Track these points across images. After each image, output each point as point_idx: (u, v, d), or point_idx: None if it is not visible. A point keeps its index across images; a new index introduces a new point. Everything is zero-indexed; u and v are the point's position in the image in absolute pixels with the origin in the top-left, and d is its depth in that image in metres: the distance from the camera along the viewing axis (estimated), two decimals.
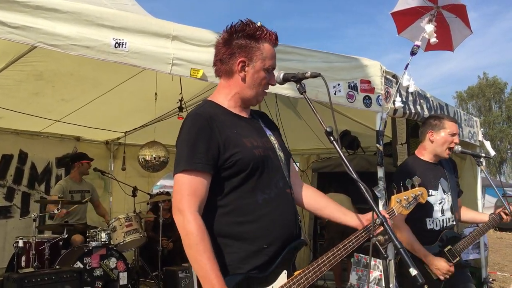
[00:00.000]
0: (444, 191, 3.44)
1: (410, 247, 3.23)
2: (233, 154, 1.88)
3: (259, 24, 2.03)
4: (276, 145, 2.10)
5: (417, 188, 2.42)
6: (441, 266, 3.20)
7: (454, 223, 3.46)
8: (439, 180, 3.44)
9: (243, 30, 1.98)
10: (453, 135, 3.42)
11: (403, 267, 3.23)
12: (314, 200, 2.28)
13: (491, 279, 7.35)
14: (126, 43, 2.45)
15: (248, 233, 1.89)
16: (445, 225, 3.40)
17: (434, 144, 3.44)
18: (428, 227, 3.35)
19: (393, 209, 2.31)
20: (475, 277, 5.12)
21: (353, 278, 3.67)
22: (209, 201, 1.89)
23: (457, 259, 3.32)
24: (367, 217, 2.12)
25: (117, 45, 2.42)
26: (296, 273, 1.94)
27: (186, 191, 1.82)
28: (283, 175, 2.04)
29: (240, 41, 1.98)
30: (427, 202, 3.25)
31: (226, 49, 2.01)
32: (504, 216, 3.45)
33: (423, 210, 3.28)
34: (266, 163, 1.96)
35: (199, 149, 1.85)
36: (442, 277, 3.19)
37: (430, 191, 3.33)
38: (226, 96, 2.06)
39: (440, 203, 3.39)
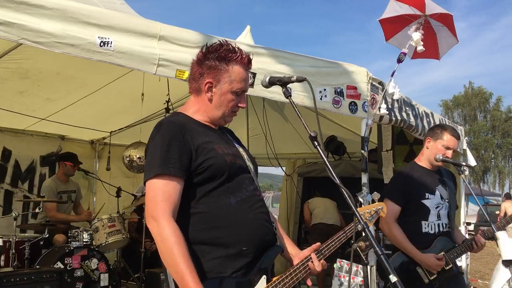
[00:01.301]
0: (442, 198, 3.48)
1: (401, 245, 3.34)
2: (205, 160, 1.91)
3: (235, 45, 2.05)
4: (248, 162, 2.13)
5: (377, 203, 2.47)
6: (431, 263, 3.27)
7: (450, 229, 3.51)
8: (437, 186, 3.49)
9: (216, 51, 2.01)
10: (447, 148, 3.46)
11: (397, 266, 3.35)
12: None
13: (472, 287, 7.43)
14: (111, 42, 2.42)
15: (224, 237, 1.90)
16: (440, 230, 3.44)
17: (429, 151, 3.52)
18: (423, 230, 3.40)
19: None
20: None
21: (335, 283, 3.68)
22: (182, 207, 1.89)
23: (450, 266, 3.37)
24: (301, 256, 2.14)
25: (102, 44, 2.39)
26: (274, 279, 1.96)
27: (160, 197, 1.82)
28: (253, 180, 2.08)
29: (210, 62, 2.01)
30: (424, 206, 3.40)
31: (198, 68, 2.05)
32: (475, 246, 3.45)
33: (420, 213, 3.42)
34: (236, 169, 2.00)
35: (173, 155, 1.87)
36: (434, 271, 3.28)
37: (427, 194, 3.43)
38: (195, 112, 2.09)
39: (436, 208, 3.44)
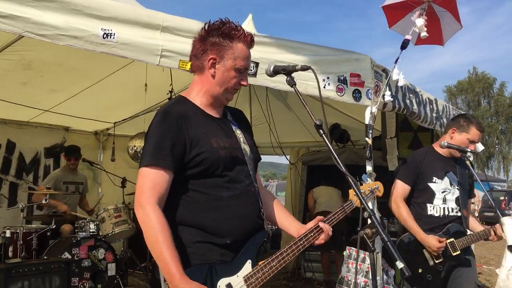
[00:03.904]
0: (451, 184, 3.57)
1: (407, 224, 3.48)
2: (199, 153, 1.94)
3: (237, 24, 2.05)
4: (245, 145, 2.15)
5: (373, 182, 2.57)
6: (431, 243, 3.37)
7: (459, 214, 3.56)
8: (447, 172, 3.58)
9: (219, 29, 2.01)
10: (472, 142, 3.55)
11: (407, 243, 3.48)
12: (273, 212, 2.34)
13: (477, 272, 7.45)
14: (114, 33, 2.42)
15: (212, 227, 1.96)
16: (446, 213, 3.52)
17: (452, 141, 3.57)
18: (428, 212, 3.52)
19: (351, 201, 2.42)
20: None
21: (344, 270, 3.72)
22: (176, 194, 1.96)
23: (458, 252, 3.42)
24: (307, 226, 2.19)
25: (105, 35, 2.39)
26: (260, 262, 2.02)
27: (147, 186, 1.87)
28: (248, 174, 2.10)
29: (214, 39, 2.01)
30: (430, 189, 3.52)
31: (200, 45, 2.05)
32: (492, 234, 3.52)
33: (425, 195, 3.55)
34: (231, 163, 2.03)
35: (165, 147, 1.90)
36: (435, 254, 3.39)
37: (434, 178, 3.55)
38: (198, 93, 2.09)
39: (443, 192, 3.54)
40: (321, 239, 2.15)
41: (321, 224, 2.15)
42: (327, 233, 2.15)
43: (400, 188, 3.57)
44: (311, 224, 2.18)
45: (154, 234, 1.80)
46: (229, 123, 2.18)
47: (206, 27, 2.04)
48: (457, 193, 3.57)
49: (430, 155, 3.64)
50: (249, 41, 2.06)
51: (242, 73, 2.07)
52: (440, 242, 3.38)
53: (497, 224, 3.51)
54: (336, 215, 2.27)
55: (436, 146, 3.71)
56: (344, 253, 3.73)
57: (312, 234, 2.14)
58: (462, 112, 5.37)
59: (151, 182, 1.87)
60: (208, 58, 2.02)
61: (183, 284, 1.76)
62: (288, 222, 2.29)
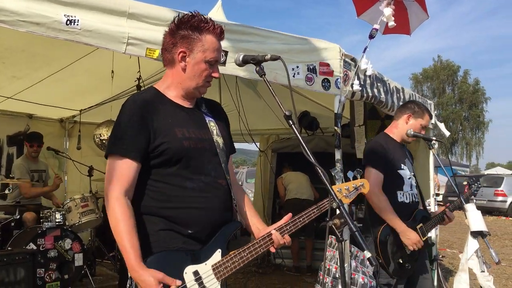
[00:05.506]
0: (409, 170, 3.63)
1: (387, 216, 3.39)
2: (161, 143, 1.96)
3: (207, 16, 2.06)
4: (217, 137, 2.15)
5: (358, 179, 2.48)
6: (412, 237, 3.36)
7: (418, 200, 3.67)
8: (405, 159, 3.65)
9: (188, 21, 2.02)
10: (423, 128, 3.66)
11: (387, 237, 3.40)
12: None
13: (441, 256, 7.68)
14: (78, 20, 2.33)
15: (174, 217, 1.98)
16: (413, 200, 3.59)
17: (407, 127, 3.65)
18: (399, 200, 3.50)
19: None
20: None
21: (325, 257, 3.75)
22: (141, 182, 1.98)
23: (426, 237, 3.49)
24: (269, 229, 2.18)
25: (68, 22, 2.30)
26: (231, 252, 2.04)
27: (115, 176, 1.91)
28: (217, 166, 2.11)
29: (183, 32, 2.02)
30: (400, 176, 3.51)
31: (170, 39, 2.05)
32: (446, 219, 3.66)
33: (396, 183, 3.52)
34: (196, 154, 2.03)
35: (131, 136, 1.93)
36: (411, 248, 3.36)
37: (401, 165, 3.57)
38: (169, 86, 2.11)
39: (409, 179, 3.59)
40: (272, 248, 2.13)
41: (274, 237, 2.11)
42: (277, 243, 2.11)
43: (377, 177, 3.44)
44: (269, 229, 2.16)
45: (117, 224, 1.86)
46: (201, 114, 2.18)
47: (176, 20, 2.05)
48: (414, 179, 3.66)
49: (390, 143, 3.65)
50: (219, 32, 2.07)
51: (213, 65, 2.07)
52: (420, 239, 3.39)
53: (447, 210, 3.64)
54: (305, 216, 2.23)
55: (390, 133, 3.74)
56: (328, 241, 3.75)
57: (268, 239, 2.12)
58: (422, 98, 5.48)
59: (118, 172, 1.91)
60: (178, 52, 2.03)
61: (139, 269, 1.81)
62: (251, 223, 2.27)
